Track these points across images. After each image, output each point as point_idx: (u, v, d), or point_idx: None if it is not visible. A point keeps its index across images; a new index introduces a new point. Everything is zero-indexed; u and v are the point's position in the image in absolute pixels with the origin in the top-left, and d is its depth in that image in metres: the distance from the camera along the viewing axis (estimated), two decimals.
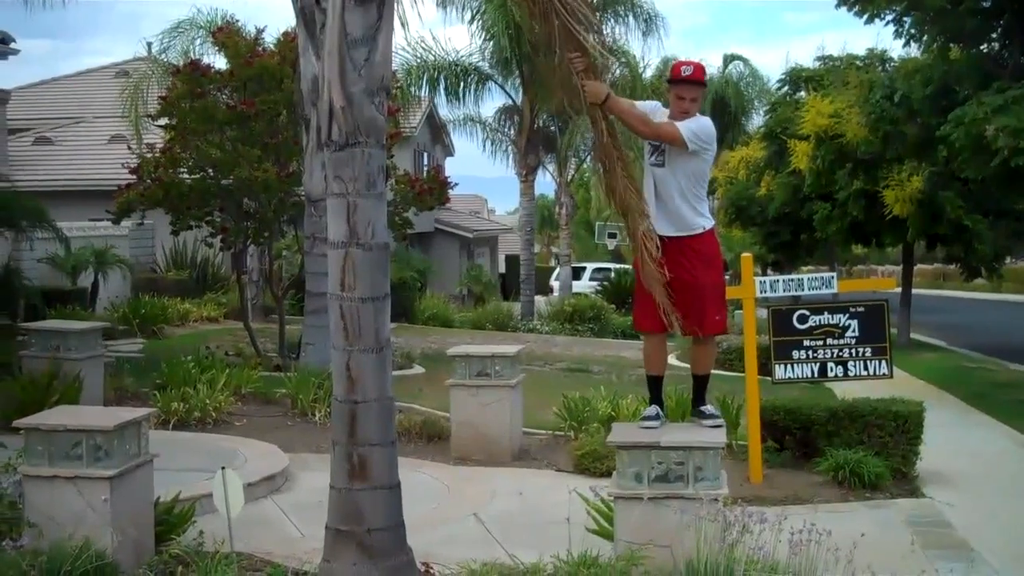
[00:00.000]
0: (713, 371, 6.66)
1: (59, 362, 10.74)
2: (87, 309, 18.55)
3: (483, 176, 51.16)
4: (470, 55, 27.37)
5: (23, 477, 6.14)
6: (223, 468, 6.30)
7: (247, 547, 6.43)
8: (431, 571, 6.08)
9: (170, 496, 6.72)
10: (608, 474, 8.74)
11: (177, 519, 6.58)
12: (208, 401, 10.98)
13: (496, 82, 28.16)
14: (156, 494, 6.53)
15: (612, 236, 39.67)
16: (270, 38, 15.83)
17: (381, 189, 5.80)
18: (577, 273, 35.37)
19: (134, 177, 15.10)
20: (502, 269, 45.55)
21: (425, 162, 35.76)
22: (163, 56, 20.08)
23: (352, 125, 5.61)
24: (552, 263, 46.88)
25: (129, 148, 19.08)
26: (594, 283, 34.66)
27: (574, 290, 30.96)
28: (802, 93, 25.14)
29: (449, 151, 40.56)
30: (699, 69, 6.28)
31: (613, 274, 33.85)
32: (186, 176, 14.95)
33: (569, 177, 32.12)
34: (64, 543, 5.66)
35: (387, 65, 5.76)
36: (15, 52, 17.39)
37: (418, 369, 15.65)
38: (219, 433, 10.56)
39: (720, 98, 36.71)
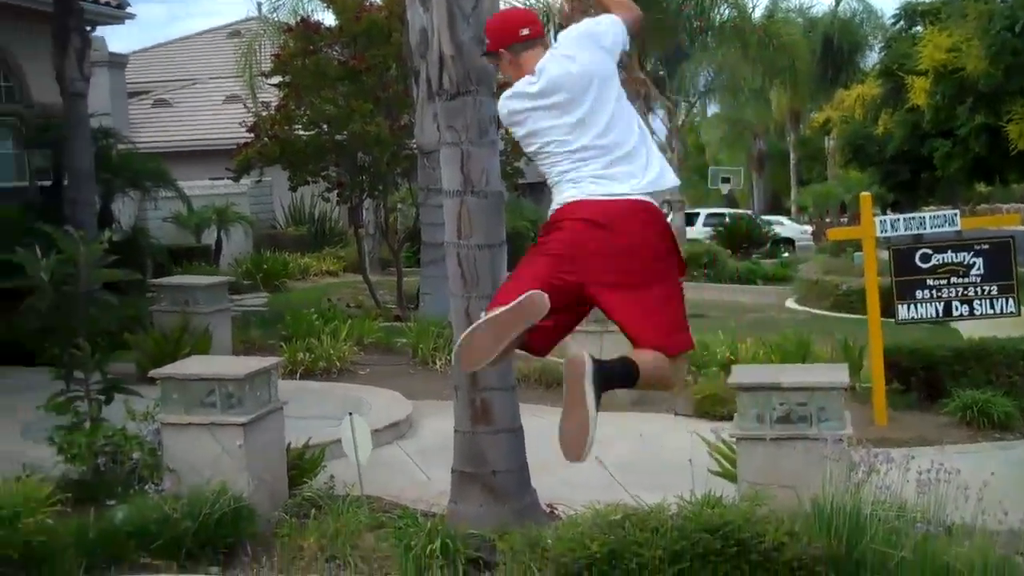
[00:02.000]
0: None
1: (188, 316, 11.04)
2: (212, 265, 19.04)
3: None
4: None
5: (161, 425, 6.35)
6: (351, 414, 6.44)
7: (375, 491, 6.54)
8: (556, 512, 6.15)
9: (300, 442, 6.88)
10: (728, 417, 8.71)
11: (308, 464, 6.74)
12: (332, 351, 11.18)
13: None
14: (287, 440, 6.69)
15: (726, 181, 39.13)
16: None
17: (494, 137, 5.84)
18: (690, 219, 34.97)
19: (251, 135, 15.40)
20: None
21: None
22: (274, 15, 20.43)
23: (462, 73, 5.64)
24: (664, 209, 46.47)
25: (245, 107, 19.45)
26: (708, 229, 34.25)
27: (687, 236, 30.67)
28: (919, 28, 24.35)
29: None
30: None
31: (728, 219, 33.42)
32: (301, 132, 15.16)
33: (680, 122, 31.75)
34: (202, 487, 5.85)
35: (495, 12, 5.77)
36: (131, 16, 17.78)
37: None
38: (344, 382, 10.76)
39: (828, 37, 35.77)
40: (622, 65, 25.27)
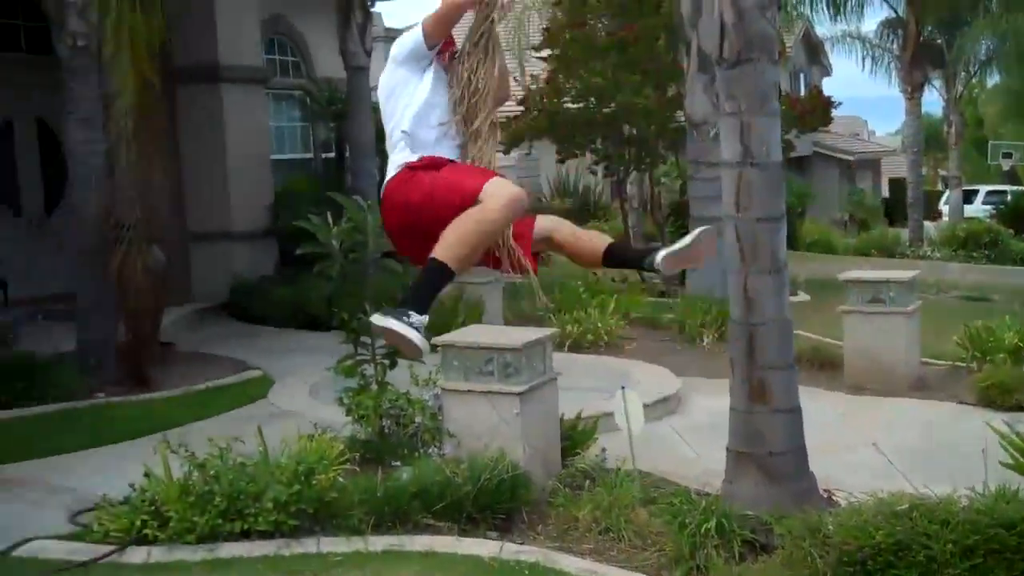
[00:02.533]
0: None
1: (462, 286, 11.30)
2: None
3: (862, 96, 49.01)
4: None
5: (441, 391, 6.54)
6: (623, 388, 6.48)
7: (646, 466, 6.53)
8: (834, 498, 5.99)
9: (572, 414, 6.94)
10: (1017, 407, 8.29)
11: (581, 436, 6.78)
12: (600, 324, 11.24)
13: None
14: (560, 411, 6.76)
15: (1007, 156, 36.91)
16: None
17: (774, 107, 5.71)
18: (968, 196, 33.21)
19: (521, 108, 15.62)
20: (885, 193, 43.53)
21: (802, 83, 34.66)
22: None
23: (744, 41, 5.53)
24: (940, 186, 44.30)
25: (515, 80, 19.72)
26: (987, 207, 32.44)
27: (965, 214, 29.14)
28: None
29: (826, 71, 39.02)
30: None
31: (1009, 197, 31.54)
32: (570, 105, 15.24)
33: (958, 93, 30.10)
34: (480, 453, 5.99)
35: None
36: None
37: (803, 296, 15.30)
38: (610, 355, 10.79)
39: None
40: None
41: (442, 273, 3.86)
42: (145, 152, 9.31)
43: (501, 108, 4.66)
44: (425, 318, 3.86)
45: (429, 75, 4.24)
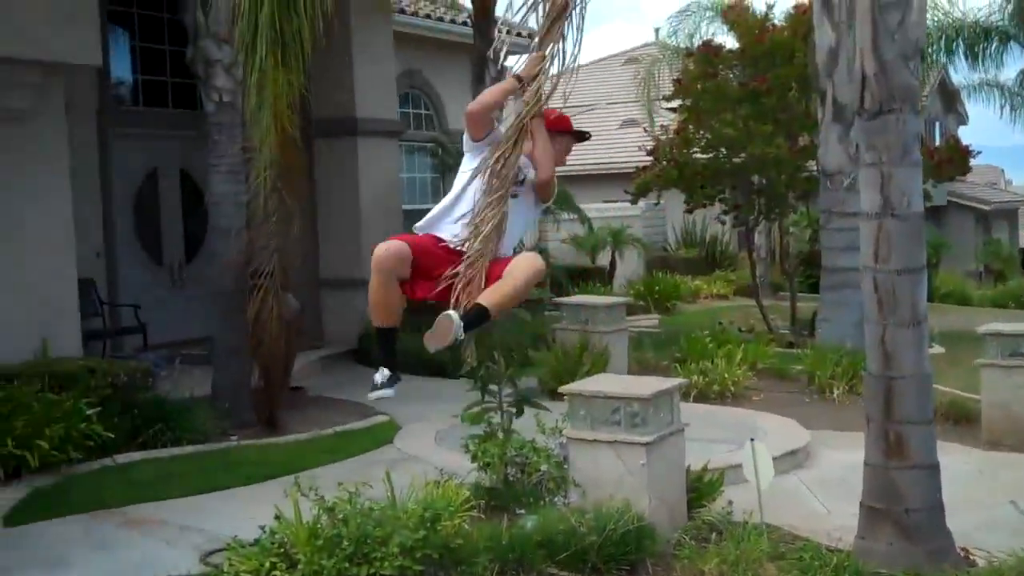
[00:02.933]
0: None
1: (587, 335, 11.32)
2: (606, 286, 19.50)
3: (998, 144, 47.60)
4: (989, 15, 25.46)
5: (567, 439, 6.52)
6: (752, 440, 6.40)
7: (773, 519, 6.42)
8: (970, 557, 5.81)
9: (699, 465, 6.87)
10: None
11: (707, 487, 6.71)
12: (727, 375, 11.14)
13: (1019, 41, 26.00)
14: (686, 462, 6.69)
15: None
16: (779, 13, 15.76)
17: (916, 157, 5.65)
18: None
19: (650, 159, 15.67)
20: (1022, 243, 42.14)
21: (937, 131, 33.92)
22: (671, 39, 20.63)
23: (886, 92, 5.51)
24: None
25: (644, 131, 19.78)
26: None
27: None
28: None
29: (962, 119, 38.08)
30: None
31: None
32: (700, 155, 15.23)
33: None
34: (605, 503, 5.95)
35: (921, 27, 5.58)
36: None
37: (938, 348, 14.86)
38: (737, 407, 10.68)
39: None
40: None
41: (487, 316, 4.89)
42: (284, 202, 9.58)
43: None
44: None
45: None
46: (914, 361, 5.59)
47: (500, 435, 6.85)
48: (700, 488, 6.71)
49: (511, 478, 6.73)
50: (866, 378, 5.81)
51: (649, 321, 17.37)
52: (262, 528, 5.61)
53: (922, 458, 5.60)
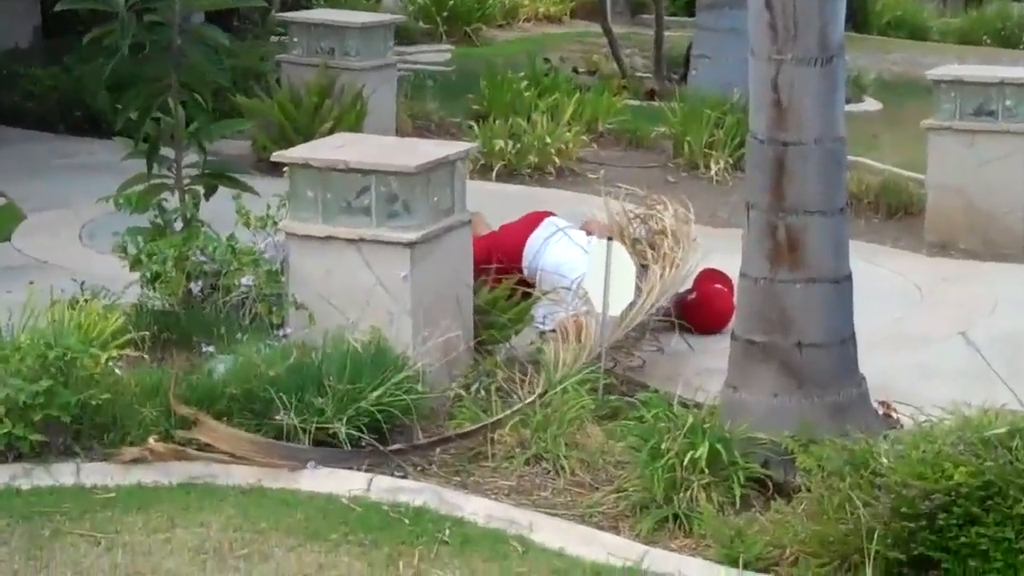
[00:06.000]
0: None
1: (334, 73, 11.20)
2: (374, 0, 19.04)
3: None
4: None
5: (286, 236, 6.48)
6: (609, 239, 6.61)
7: (609, 362, 6.63)
8: (893, 415, 6.04)
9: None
10: None
11: (510, 313, 6.87)
12: (549, 139, 11.21)
13: None
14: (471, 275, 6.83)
15: None
16: None
17: None
18: None
19: None
20: None
21: None
22: None
23: None
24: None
25: None
26: None
27: None
28: None
29: None
30: None
31: None
32: None
33: None
34: (343, 335, 6.02)
35: None
36: None
37: (872, 104, 15.30)
38: (565, 189, 10.87)
39: None
40: None
41: None
42: None
43: None
44: None
45: None
46: (821, 119, 5.63)
47: (178, 229, 6.85)
48: (494, 317, 6.82)
49: (196, 297, 6.70)
50: (749, 145, 5.87)
51: (437, 55, 17.34)
52: None
53: (826, 266, 5.69)
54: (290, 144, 8.09)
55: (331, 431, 5.66)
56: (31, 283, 6.47)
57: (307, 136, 9.29)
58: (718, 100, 11.99)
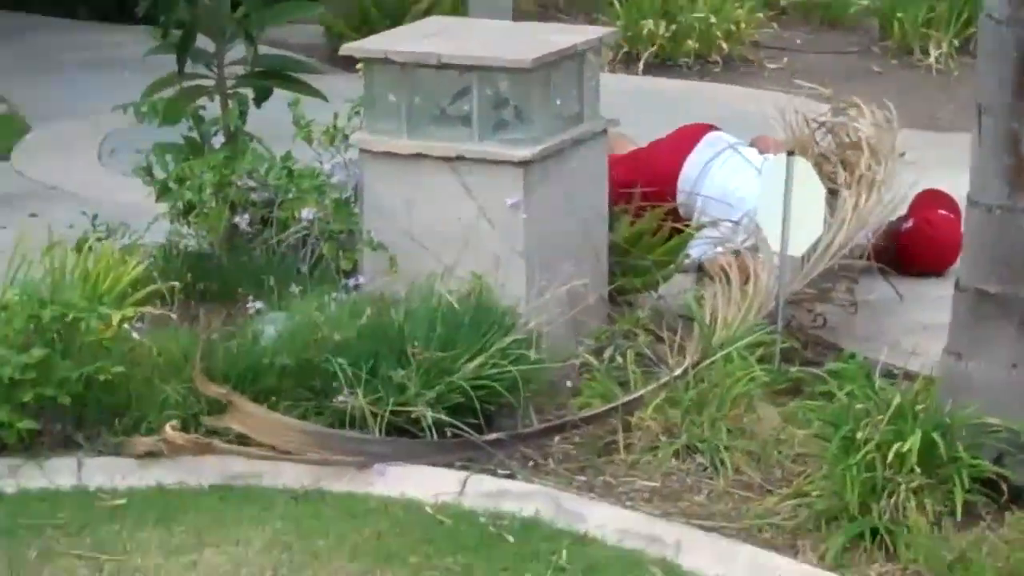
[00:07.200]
0: None
1: None
2: None
3: None
4: None
5: (360, 154, 6.38)
6: (791, 153, 6.51)
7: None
8: None
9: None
10: None
11: (657, 252, 6.78)
12: (714, 18, 11.21)
13: None
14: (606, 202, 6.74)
15: None
16: None
17: None
18: None
19: None
20: None
21: None
22: None
23: None
24: None
25: None
26: None
27: None
28: None
29: None
30: None
31: None
32: None
33: None
34: (436, 285, 5.93)
35: None
36: None
37: None
38: (735, 83, 10.86)
39: None
40: None
41: None
42: None
43: None
44: None
45: None
46: None
47: (219, 145, 6.82)
48: (637, 261, 6.71)
49: (242, 234, 6.63)
50: (983, 25, 5.59)
51: None
52: None
53: None
54: (373, 31, 8.04)
55: (414, 415, 5.51)
56: (32, 215, 6.61)
57: (396, 20, 9.33)
58: None
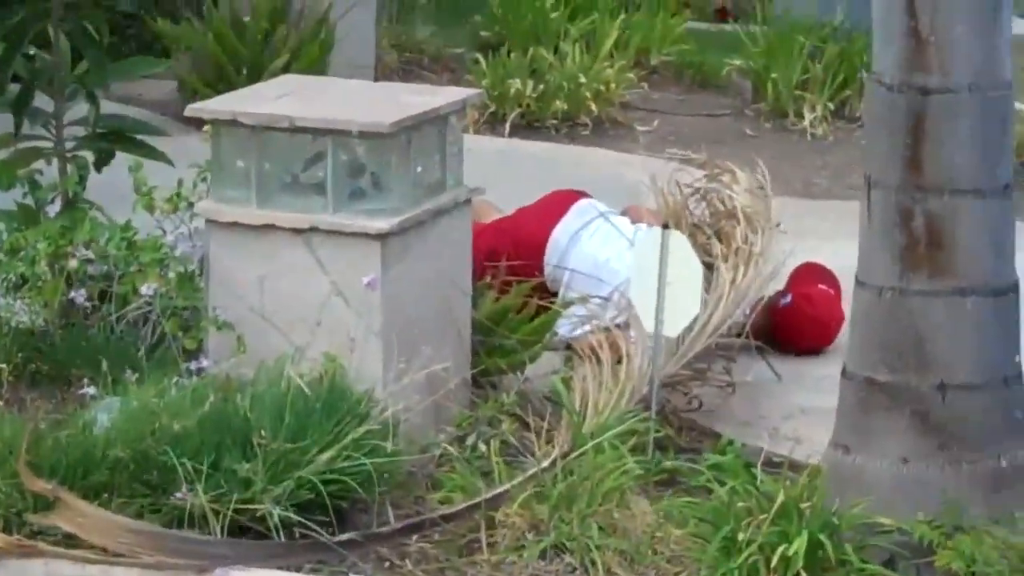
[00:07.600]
0: None
1: None
2: None
3: None
4: None
5: (206, 224, 6.25)
6: (666, 226, 6.61)
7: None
8: None
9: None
10: None
11: (524, 332, 6.67)
12: (583, 78, 11.25)
13: None
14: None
15: None
16: None
17: None
18: None
19: None
20: None
21: None
22: None
23: None
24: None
25: None
26: None
27: None
28: None
29: None
30: None
31: None
32: None
33: None
34: (284, 368, 5.77)
35: None
36: None
37: None
38: (604, 147, 10.86)
39: None
40: None
41: None
42: None
43: None
44: None
45: None
46: (980, 52, 5.30)
47: (55, 211, 6.81)
48: (501, 341, 6.68)
49: (78, 310, 6.43)
50: (871, 91, 5.55)
51: None
52: None
53: (982, 271, 5.35)
54: (232, 87, 8.06)
55: (260, 513, 5.30)
56: None
57: (254, 76, 9.34)
58: (814, 23, 11.92)
